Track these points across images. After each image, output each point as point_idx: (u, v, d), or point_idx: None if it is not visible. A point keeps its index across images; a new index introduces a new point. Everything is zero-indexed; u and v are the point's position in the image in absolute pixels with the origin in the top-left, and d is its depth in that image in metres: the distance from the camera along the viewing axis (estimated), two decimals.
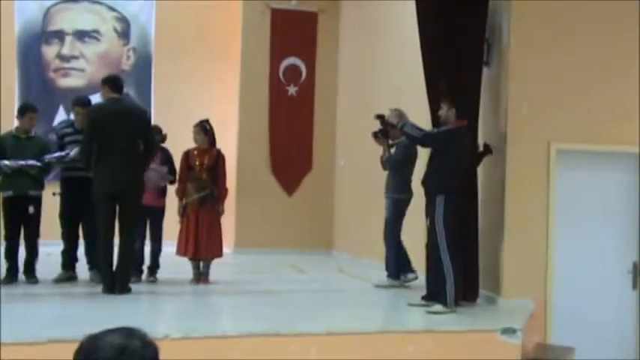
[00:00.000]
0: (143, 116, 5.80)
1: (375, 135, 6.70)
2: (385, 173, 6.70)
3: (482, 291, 5.68)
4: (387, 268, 6.61)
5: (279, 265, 8.32)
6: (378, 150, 6.85)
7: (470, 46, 5.64)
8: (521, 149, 5.63)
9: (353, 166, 9.10)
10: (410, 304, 5.55)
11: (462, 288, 5.34)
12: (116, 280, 5.61)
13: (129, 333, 1.47)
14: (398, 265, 6.51)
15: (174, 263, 6.59)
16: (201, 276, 6.46)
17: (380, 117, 6.70)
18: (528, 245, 5.60)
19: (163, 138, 6.59)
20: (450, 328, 4.78)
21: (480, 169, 5.79)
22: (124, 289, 5.64)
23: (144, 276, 6.37)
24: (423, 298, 5.48)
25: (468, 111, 5.55)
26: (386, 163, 6.64)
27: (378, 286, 6.53)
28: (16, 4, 9.41)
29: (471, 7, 5.63)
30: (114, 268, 5.66)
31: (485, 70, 5.78)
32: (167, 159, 6.59)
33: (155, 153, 6.08)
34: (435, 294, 5.33)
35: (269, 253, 9.08)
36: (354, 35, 9.38)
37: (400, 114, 5.44)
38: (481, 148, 5.78)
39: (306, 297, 6.22)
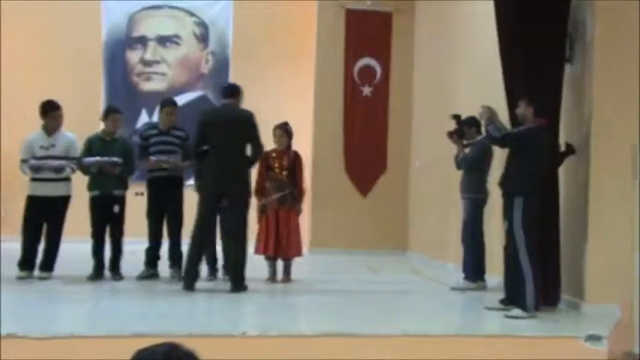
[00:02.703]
0: (250, 120, 5.98)
1: (450, 134, 6.64)
2: (460, 173, 6.61)
3: (564, 295, 5.50)
4: (464, 270, 6.51)
5: (353, 265, 8.33)
6: (454, 150, 6.75)
7: (551, 43, 5.47)
8: (605, 149, 5.40)
9: (428, 166, 8.99)
10: (487, 308, 5.44)
11: (542, 292, 5.19)
12: (195, 279, 5.79)
13: (173, 346, 1.58)
14: (476, 267, 6.39)
15: (249, 262, 6.71)
16: (283, 275, 6.57)
17: (456, 117, 6.62)
18: (613, 247, 5.36)
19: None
20: (530, 333, 4.65)
21: (561, 170, 5.61)
22: (240, 288, 5.82)
23: (219, 274, 6.51)
24: (502, 301, 5.35)
25: (549, 109, 5.39)
26: (460, 162, 6.57)
27: (454, 288, 6.44)
28: (103, 13, 9.84)
29: (553, 1, 5.46)
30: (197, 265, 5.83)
31: (567, 67, 5.59)
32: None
33: (261, 156, 6.22)
34: (513, 298, 5.20)
35: (343, 254, 9.10)
36: (430, 34, 9.27)
37: (490, 112, 5.34)
38: (563, 148, 5.59)
39: (381, 298, 6.20)
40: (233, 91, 6.10)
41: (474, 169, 6.45)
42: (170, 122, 6.55)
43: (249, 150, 6.05)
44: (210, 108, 6.46)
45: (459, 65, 8.16)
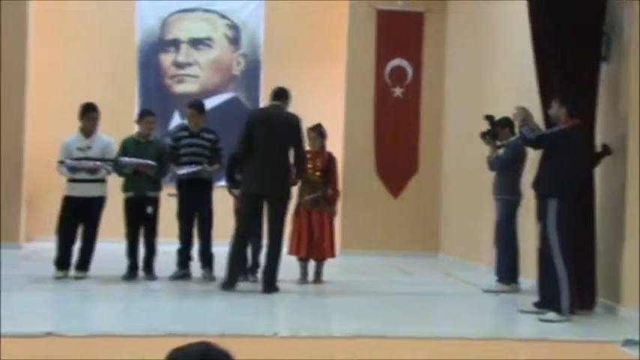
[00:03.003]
0: (296, 124, 6.03)
1: (483, 135, 6.59)
2: (493, 175, 6.55)
3: (600, 299, 5.40)
4: (498, 273, 6.44)
5: (385, 267, 8.30)
6: (486, 151, 6.69)
7: (586, 42, 5.38)
8: None
9: (460, 167, 8.92)
10: (521, 311, 5.37)
11: (578, 295, 5.10)
12: (233, 279, 5.82)
13: (208, 346, 1.58)
14: (509, 269, 6.31)
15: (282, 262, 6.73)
16: (314, 276, 6.59)
17: (489, 117, 6.56)
18: None
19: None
20: (565, 337, 4.57)
21: (597, 171, 5.51)
22: (272, 288, 5.87)
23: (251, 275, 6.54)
24: (536, 304, 5.28)
25: (584, 110, 5.31)
26: (493, 163, 6.51)
27: (487, 290, 6.37)
28: (137, 16, 9.99)
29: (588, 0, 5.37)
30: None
31: (603, 66, 5.49)
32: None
33: (305, 161, 6.25)
34: (548, 301, 5.13)
35: (375, 255, 9.08)
36: (463, 34, 9.20)
37: (525, 113, 5.28)
38: (599, 149, 5.50)
39: (412, 300, 6.16)
40: (282, 94, 6.14)
41: (507, 170, 6.38)
42: (197, 124, 6.60)
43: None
44: (258, 109, 6.50)
45: (492, 65, 8.08)
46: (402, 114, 9.73)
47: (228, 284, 5.86)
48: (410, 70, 9.76)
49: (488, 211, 7.01)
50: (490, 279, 6.61)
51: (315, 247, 6.48)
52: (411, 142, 9.76)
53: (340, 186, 7.53)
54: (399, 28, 9.68)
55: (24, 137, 9.05)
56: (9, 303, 5.38)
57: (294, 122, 6.04)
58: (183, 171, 6.43)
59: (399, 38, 9.69)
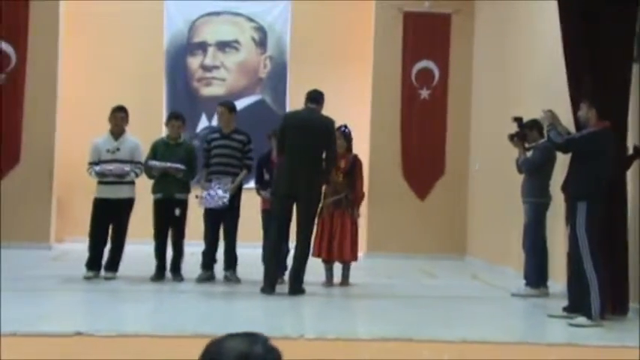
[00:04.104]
0: (330, 128, 6.07)
1: (512, 137, 6.52)
2: (521, 177, 6.48)
3: (633, 304, 5.30)
4: (526, 276, 6.36)
5: (411, 269, 8.26)
6: (514, 153, 6.62)
7: (618, 42, 5.30)
8: None
9: (488, 169, 8.84)
10: (550, 316, 5.30)
11: (610, 300, 5.01)
12: (270, 281, 5.87)
13: (251, 339, 1.47)
14: (538, 273, 6.23)
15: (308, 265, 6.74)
16: (341, 279, 6.58)
17: (517, 119, 6.50)
18: None
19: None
20: (596, 342, 4.50)
21: (629, 174, 5.41)
22: (298, 290, 5.88)
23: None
24: (565, 309, 5.21)
25: (615, 111, 5.22)
26: (522, 166, 6.43)
27: (515, 294, 6.30)
28: (165, 20, 10.10)
29: (621, 0, 5.28)
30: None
31: (635, 68, 5.40)
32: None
33: (335, 164, 6.26)
34: (578, 305, 5.05)
35: (401, 258, 9.04)
36: (490, 36, 9.12)
37: (552, 116, 5.22)
38: (631, 151, 5.40)
39: (439, 303, 6.12)
40: (317, 98, 6.17)
41: (536, 172, 6.31)
42: (227, 123, 6.64)
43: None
44: (294, 111, 6.54)
45: (520, 66, 7.99)
46: (428, 116, 9.68)
47: (269, 288, 5.86)
48: (437, 72, 9.70)
49: (516, 213, 6.93)
50: (518, 282, 6.53)
51: (337, 249, 6.46)
52: (437, 144, 9.70)
53: (366, 188, 7.51)
54: (425, 29, 9.64)
55: (55, 139, 9.20)
56: (40, 303, 5.49)
57: (328, 126, 6.07)
58: (211, 205, 6.34)
59: (426, 40, 9.64)
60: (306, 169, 5.92)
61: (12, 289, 5.93)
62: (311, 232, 6.03)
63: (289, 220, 6.00)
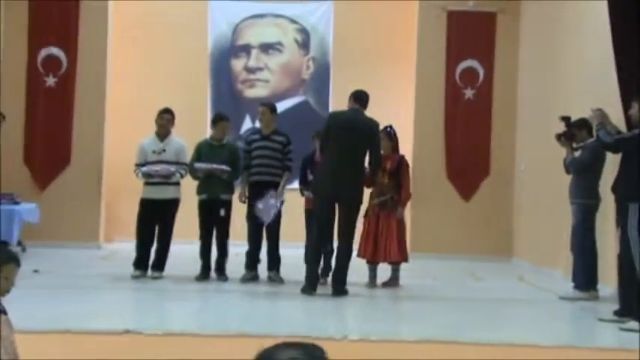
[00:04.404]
0: (375, 129, 6.07)
1: (559, 137, 6.39)
2: (569, 178, 6.35)
3: None
4: (575, 279, 6.22)
5: (455, 271, 8.17)
6: (562, 153, 6.48)
7: None
8: None
9: (535, 170, 8.68)
10: (600, 320, 5.17)
11: None
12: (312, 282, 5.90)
13: (306, 350, 1.38)
14: (587, 276, 6.09)
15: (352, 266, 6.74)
16: (388, 280, 6.56)
17: (565, 118, 6.37)
18: None
19: None
20: None
21: None
22: (342, 291, 5.88)
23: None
24: (616, 313, 5.08)
25: None
26: (570, 166, 6.29)
27: (563, 297, 6.17)
28: (210, 23, 10.25)
29: None
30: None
31: None
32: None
33: (380, 165, 6.25)
34: (629, 309, 4.91)
35: (445, 259, 8.95)
36: (537, 34, 8.95)
37: (602, 115, 5.11)
38: None
39: (484, 305, 6.04)
40: (362, 98, 6.17)
41: (584, 173, 6.17)
42: (268, 123, 6.68)
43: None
44: (339, 111, 6.55)
45: (567, 65, 7.82)
46: (473, 116, 9.56)
47: (310, 289, 5.87)
48: (481, 71, 9.58)
49: (564, 215, 6.79)
50: (567, 285, 6.39)
51: (382, 250, 6.44)
52: (482, 144, 9.58)
53: (411, 189, 7.46)
54: (470, 28, 9.53)
55: (104, 140, 9.42)
56: (89, 301, 5.63)
57: (373, 127, 6.06)
58: (270, 218, 6.38)
59: (470, 39, 9.53)
60: (350, 170, 5.91)
61: (64, 287, 6.11)
62: (353, 233, 6.02)
63: (332, 220, 6.00)
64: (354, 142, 5.94)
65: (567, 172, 6.39)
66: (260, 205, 6.40)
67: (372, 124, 6.08)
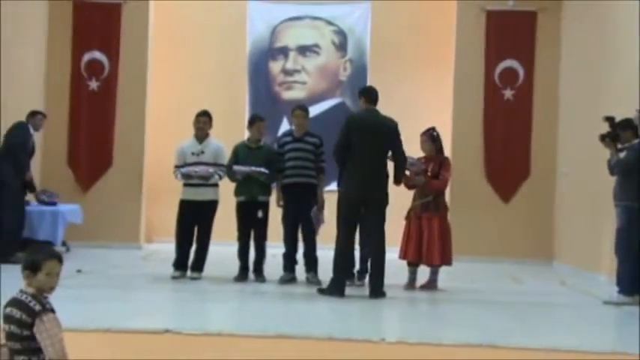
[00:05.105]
0: (396, 129, 6.05)
1: (603, 138, 6.26)
2: (613, 179, 6.20)
3: None
4: (619, 283, 6.07)
5: (495, 274, 8.06)
6: (605, 155, 6.34)
7: None
8: None
9: (577, 171, 8.50)
10: None
11: None
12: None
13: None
14: (632, 280, 5.93)
15: (390, 267, 6.70)
16: (426, 282, 6.51)
17: (609, 119, 6.24)
18: None
19: None
20: None
21: None
22: (379, 293, 5.86)
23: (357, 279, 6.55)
24: None
25: None
26: (614, 167, 6.15)
27: (607, 302, 6.02)
28: (248, 25, 10.34)
29: None
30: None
31: None
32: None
33: (405, 164, 6.21)
34: None
35: (485, 262, 8.84)
36: (579, 34, 8.77)
37: None
38: None
39: (524, 309, 5.93)
40: (375, 97, 6.14)
41: (629, 174, 6.02)
42: (302, 126, 6.70)
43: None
44: (357, 113, 6.51)
45: (611, 65, 7.65)
46: (512, 117, 9.43)
47: (338, 291, 5.85)
48: (521, 72, 9.44)
49: (608, 217, 6.64)
50: (610, 290, 6.25)
51: (425, 252, 6.39)
52: (522, 146, 9.44)
53: (448, 190, 7.40)
54: (509, 28, 9.40)
55: (145, 142, 9.58)
56: (130, 300, 5.73)
57: (393, 126, 6.02)
58: (319, 226, 6.55)
59: (510, 39, 9.41)
60: (376, 171, 5.89)
61: (105, 286, 6.23)
62: (384, 234, 5.98)
63: (359, 222, 5.98)
64: (376, 143, 5.91)
65: (611, 173, 6.26)
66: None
67: (392, 123, 6.03)
